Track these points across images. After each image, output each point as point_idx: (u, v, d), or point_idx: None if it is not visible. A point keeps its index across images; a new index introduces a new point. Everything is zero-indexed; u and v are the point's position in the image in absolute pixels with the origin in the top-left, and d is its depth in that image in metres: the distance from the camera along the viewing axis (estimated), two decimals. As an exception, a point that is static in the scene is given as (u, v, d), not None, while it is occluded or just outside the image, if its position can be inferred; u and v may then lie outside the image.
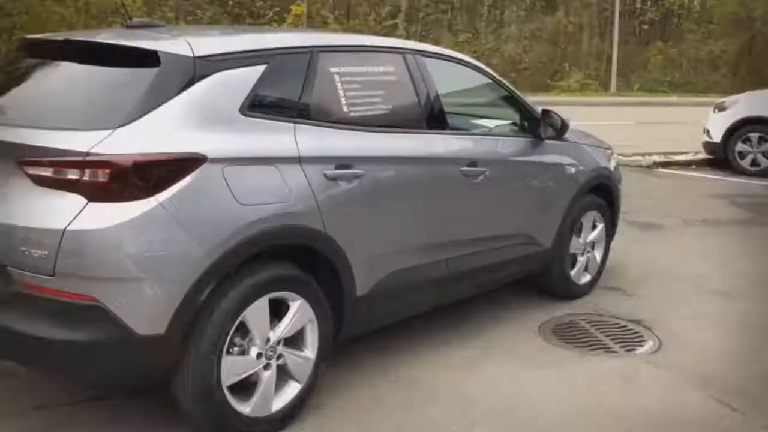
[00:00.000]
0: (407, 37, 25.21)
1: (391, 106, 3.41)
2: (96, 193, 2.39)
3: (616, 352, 3.95)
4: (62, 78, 2.80)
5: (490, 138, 4.06)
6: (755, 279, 5.32)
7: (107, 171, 2.38)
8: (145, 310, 2.45)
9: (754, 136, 9.82)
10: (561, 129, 4.27)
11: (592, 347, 4.00)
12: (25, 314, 2.45)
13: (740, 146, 9.97)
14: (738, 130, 9.96)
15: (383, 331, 3.62)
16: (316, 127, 3.01)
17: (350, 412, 3.13)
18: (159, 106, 2.53)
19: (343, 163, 3.04)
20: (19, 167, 2.48)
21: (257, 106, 2.82)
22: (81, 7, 20.21)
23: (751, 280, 5.29)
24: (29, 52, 3.10)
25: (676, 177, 9.92)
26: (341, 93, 3.16)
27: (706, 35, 33.86)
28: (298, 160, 2.87)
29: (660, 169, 10.38)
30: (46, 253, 2.36)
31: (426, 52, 3.77)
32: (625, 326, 4.33)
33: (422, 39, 26.36)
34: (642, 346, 4.05)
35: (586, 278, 4.83)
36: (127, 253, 2.39)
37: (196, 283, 2.51)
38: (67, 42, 2.87)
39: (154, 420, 2.96)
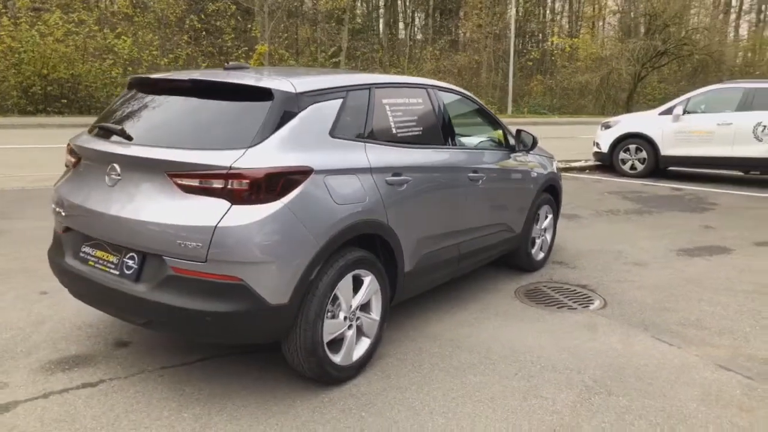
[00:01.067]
0: (348, 71, 25.24)
1: (422, 128, 3.58)
2: (237, 197, 2.50)
3: (575, 309, 4.26)
4: (192, 108, 2.85)
5: (483, 151, 4.27)
6: (658, 252, 5.77)
7: (246, 181, 2.50)
8: (275, 286, 2.57)
9: (632, 146, 10.38)
10: (532, 144, 4.58)
11: (558, 306, 4.29)
12: (181, 293, 2.53)
13: (622, 155, 10.56)
14: (621, 142, 10.52)
15: (405, 301, 3.75)
16: (378, 145, 3.17)
17: (404, 360, 3.29)
18: (276, 130, 2.66)
19: (397, 171, 3.22)
20: (168, 178, 2.59)
21: (339, 130, 2.96)
22: (80, 46, 19.37)
23: (655, 253, 5.74)
24: (148, 88, 3.14)
25: (577, 179, 10.28)
26: (391, 118, 3.34)
27: (575, 70, 35.33)
28: (369, 170, 3.04)
29: (563, 174, 10.86)
30: (200, 244, 2.47)
31: (440, 86, 3.95)
32: (575, 290, 4.66)
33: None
34: (593, 303, 4.36)
35: (541, 255, 5.15)
36: (263, 242, 2.51)
37: (309, 264, 2.66)
38: (192, 81, 2.93)
39: (255, 372, 3.07)
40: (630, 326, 3.93)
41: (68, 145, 3.19)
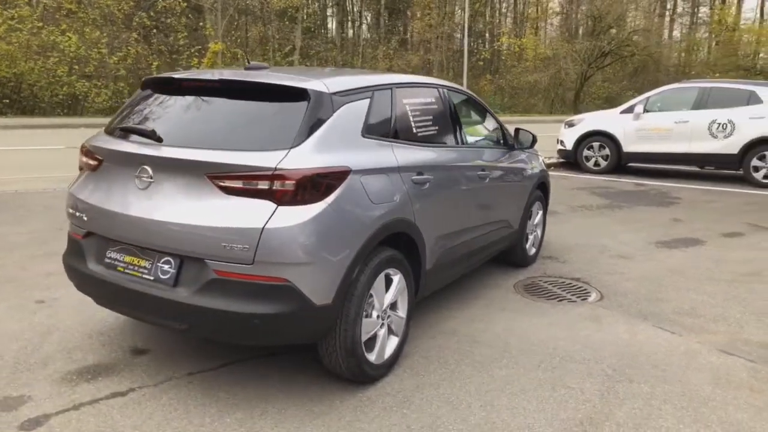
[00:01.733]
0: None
1: (437, 127, 3.62)
2: (283, 199, 2.48)
3: (575, 301, 4.41)
4: (225, 109, 2.79)
5: (488, 149, 4.35)
6: (639, 245, 6.01)
7: (292, 182, 2.48)
8: (320, 286, 2.57)
9: (596, 144, 10.78)
10: (532, 142, 4.70)
11: (558, 299, 4.43)
12: (225, 296, 2.48)
13: (586, 152, 10.94)
14: (584, 140, 10.92)
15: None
16: (402, 145, 3.20)
17: (428, 357, 3.33)
18: (314, 131, 2.65)
19: (420, 171, 3.25)
20: (208, 180, 2.54)
21: (369, 129, 2.97)
22: (23, 43, 18.46)
23: (635, 246, 5.99)
24: (168, 88, 3.05)
25: (544, 176, 10.62)
26: (411, 118, 3.38)
27: (524, 69, 36.18)
28: (398, 170, 3.07)
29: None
30: (247, 246, 2.44)
31: (448, 86, 4.01)
32: (571, 283, 4.81)
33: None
34: (590, 296, 4.52)
35: (533, 251, 5.29)
36: (309, 243, 2.50)
37: (350, 264, 2.67)
38: (223, 81, 2.87)
39: (282, 375, 3.06)
40: (630, 316, 4.10)
41: (84, 146, 3.08)
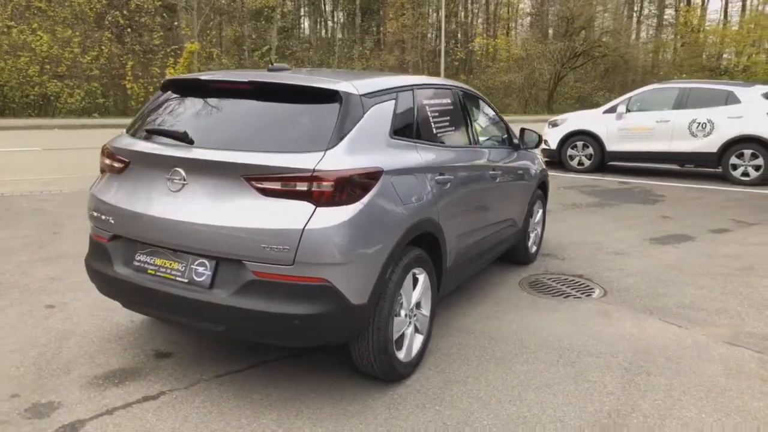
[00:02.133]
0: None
1: (454, 128, 3.68)
2: (321, 200, 2.50)
3: (580, 297, 4.51)
4: (255, 110, 2.80)
5: (497, 149, 4.42)
6: (633, 242, 6.16)
7: (331, 183, 2.50)
8: (357, 286, 2.60)
9: (579, 143, 11.00)
10: (538, 142, 4.79)
11: (564, 295, 4.53)
12: (265, 297, 2.49)
13: (570, 151, 11.15)
14: (568, 139, 11.13)
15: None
16: (425, 145, 3.24)
17: (450, 354, 3.38)
18: (348, 132, 2.67)
19: (442, 171, 3.30)
20: (245, 182, 2.55)
21: (395, 130, 3.01)
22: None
23: (630, 243, 6.14)
24: (191, 90, 3.04)
25: (529, 175, 10.78)
26: (431, 119, 3.43)
27: (499, 69, 36.61)
28: (423, 170, 3.11)
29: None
30: (288, 247, 2.45)
31: (460, 87, 4.07)
32: (574, 280, 4.92)
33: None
34: (594, 292, 4.62)
35: (534, 249, 5.38)
36: (347, 243, 2.52)
37: (384, 263, 2.71)
38: (252, 83, 2.85)
39: (312, 376, 3.07)
40: (636, 311, 4.21)
41: (106, 148, 3.05)
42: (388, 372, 2.91)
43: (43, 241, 5.48)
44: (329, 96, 2.75)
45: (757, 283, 4.89)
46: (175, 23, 24.54)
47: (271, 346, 3.31)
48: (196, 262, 2.64)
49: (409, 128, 3.16)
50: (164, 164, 2.71)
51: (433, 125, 3.42)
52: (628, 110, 10.55)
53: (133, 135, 3.01)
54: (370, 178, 2.66)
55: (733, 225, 7.02)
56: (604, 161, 10.88)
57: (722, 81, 12.28)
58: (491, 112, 4.62)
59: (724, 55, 46.29)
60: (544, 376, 3.18)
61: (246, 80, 2.85)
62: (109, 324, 3.62)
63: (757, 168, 9.69)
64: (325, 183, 2.50)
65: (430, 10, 38.92)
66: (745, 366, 3.37)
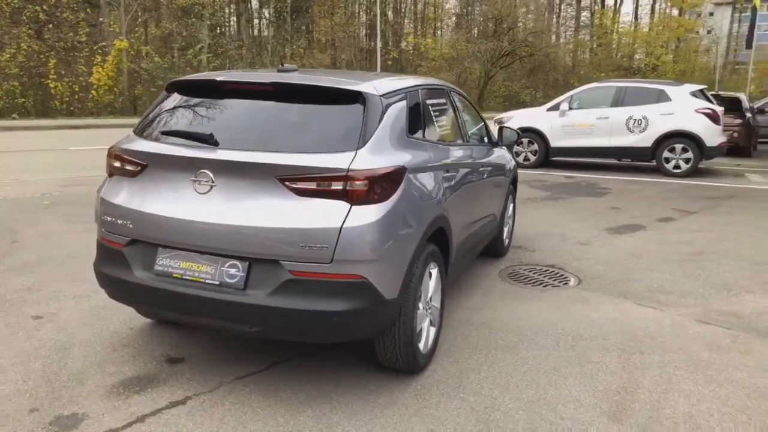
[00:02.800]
0: (213, 68, 24.46)
1: (452, 126, 3.81)
2: (356, 198, 2.55)
3: (558, 286, 4.76)
4: (279, 111, 2.80)
5: (483, 146, 4.58)
6: (592, 232, 6.51)
7: (365, 182, 2.55)
8: (390, 281, 2.67)
9: (525, 140, 11.45)
10: (516, 140, 4.99)
11: (543, 284, 4.76)
12: (303, 296, 2.52)
13: (516, 148, 11.52)
14: (514, 136, 11.58)
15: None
16: (433, 143, 3.35)
17: (457, 345, 3.49)
18: (373, 132, 2.73)
19: (446, 168, 3.42)
20: (278, 183, 2.56)
21: (410, 129, 3.09)
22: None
23: (590, 233, 6.48)
24: (203, 91, 3.00)
25: (479, 171, 11.13)
26: (434, 118, 3.54)
27: (430, 69, 37.26)
28: (434, 167, 3.21)
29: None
30: (326, 246, 2.49)
31: (452, 87, 4.20)
32: (548, 270, 5.17)
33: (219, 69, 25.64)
34: (569, 280, 4.88)
35: (507, 241, 5.61)
36: (381, 239, 2.58)
37: (411, 258, 2.80)
38: (274, 84, 2.83)
39: (332, 373, 3.12)
40: (612, 297, 4.50)
41: (114, 151, 2.96)
42: (411, 364, 2.99)
43: (3, 251, 5.18)
44: (352, 97, 2.80)
45: (709, 266, 5.31)
46: (101, 19, 23.42)
47: (280, 346, 3.33)
48: (227, 264, 2.63)
49: (418, 127, 3.25)
50: (189, 166, 2.67)
51: (435, 124, 3.53)
52: (570, 108, 11.08)
53: (145, 136, 2.94)
54: (398, 176, 2.74)
55: (676, 214, 7.56)
56: (549, 157, 11.37)
57: (655, 80, 13.12)
58: (473, 111, 4.78)
59: (636, 56, 49.22)
60: (550, 360, 3.36)
61: (269, 81, 2.84)
62: (107, 333, 3.51)
63: (687, 161, 10.44)
64: (358, 182, 2.55)
65: (360, 11, 39.13)
66: (721, 341, 3.69)
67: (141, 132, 3.00)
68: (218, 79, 2.95)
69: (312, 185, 2.55)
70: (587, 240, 6.18)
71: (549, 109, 11.32)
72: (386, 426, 2.63)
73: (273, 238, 2.53)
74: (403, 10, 43.10)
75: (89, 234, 5.68)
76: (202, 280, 2.65)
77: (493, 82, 38.87)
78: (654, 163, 10.76)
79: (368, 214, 2.57)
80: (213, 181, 2.63)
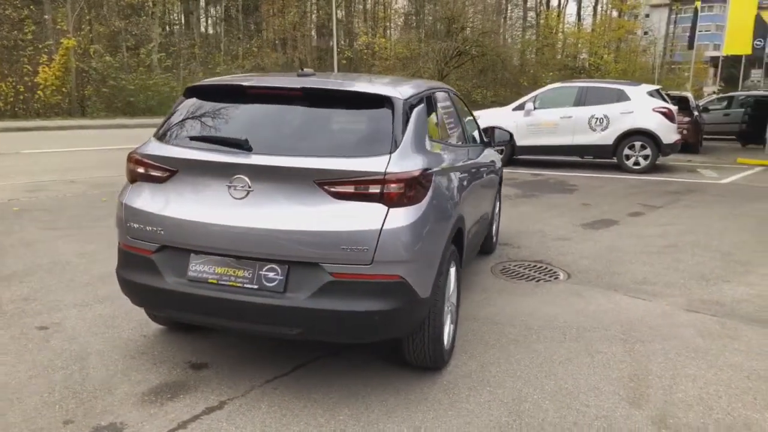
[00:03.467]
0: (165, 68, 23.87)
1: (456, 128, 3.91)
2: (393, 201, 2.61)
3: (550, 280, 4.95)
4: (311, 116, 2.83)
5: (479, 146, 4.70)
6: (570, 228, 6.75)
7: (401, 185, 2.62)
8: (424, 280, 2.76)
9: (491, 139, 11.76)
10: (510, 139, 5.14)
11: (535, 279, 4.94)
12: (344, 297, 2.57)
13: (483, 147, 11.87)
14: (481, 135, 11.84)
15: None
16: (447, 145, 3.45)
17: (470, 341, 3.61)
18: (403, 135, 2.80)
19: (460, 170, 3.52)
20: (317, 187, 2.60)
21: (430, 132, 3.18)
22: None
23: (568, 229, 6.72)
24: (222, 95, 3.01)
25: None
26: (444, 120, 3.64)
27: (384, 68, 37.35)
28: (452, 169, 3.31)
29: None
30: (367, 248, 2.55)
31: (450, 89, 4.30)
32: (536, 265, 5.36)
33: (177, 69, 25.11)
34: (559, 275, 5.08)
35: (494, 239, 5.78)
36: (417, 240, 2.66)
37: (441, 258, 2.89)
38: (304, 89, 2.84)
39: (359, 372, 3.18)
40: (603, 289, 4.71)
41: (136, 156, 2.93)
42: (438, 360, 3.09)
43: (-17, 260, 4.98)
44: (380, 101, 2.86)
45: (685, 258, 5.62)
46: (45, 17, 22.48)
47: (303, 348, 3.36)
48: (265, 268, 2.65)
49: (434, 129, 3.34)
50: (224, 171, 2.67)
51: (446, 126, 3.63)
52: (535, 107, 11.40)
53: (171, 142, 2.91)
54: (428, 178, 2.82)
55: (644, 209, 7.92)
56: (514, 155, 11.67)
57: (614, 80, 13.64)
58: (468, 112, 4.91)
59: (582, 56, 50.83)
60: (561, 351, 3.51)
61: (299, 86, 2.86)
62: (120, 341, 3.46)
63: (645, 158, 10.93)
64: (394, 185, 2.62)
65: (312, 10, 38.86)
66: (712, 328, 3.94)
67: (163, 137, 2.97)
68: (244, 84, 2.95)
69: (350, 189, 2.60)
70: (567, 236, 6.42)
71: (514, 109, 11.63)
72: (425, 420, 2.72)
73: (313, 242, 2.57)
74: (353, 9, 43.09)
75: (68, 241, 5.57)
76: (239, 284, 2.67)
77: (446, 82, 39.30)
78: (615, 160, 11.21)
79: (404, 216, 2.64)
80: (250, 186, 2.65)
